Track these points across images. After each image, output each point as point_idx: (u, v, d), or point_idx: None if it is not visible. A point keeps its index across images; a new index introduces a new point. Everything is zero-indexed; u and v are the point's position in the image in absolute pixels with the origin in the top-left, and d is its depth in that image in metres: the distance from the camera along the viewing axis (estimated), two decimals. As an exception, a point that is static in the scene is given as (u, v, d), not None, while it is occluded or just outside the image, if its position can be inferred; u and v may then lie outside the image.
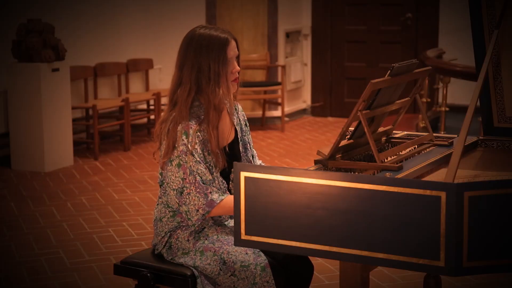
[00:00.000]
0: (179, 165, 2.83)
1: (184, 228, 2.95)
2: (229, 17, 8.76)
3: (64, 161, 6.96)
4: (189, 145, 2.83)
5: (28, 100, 6.70)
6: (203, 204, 2.82)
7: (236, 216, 2.49)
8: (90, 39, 7.84)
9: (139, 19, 8.41)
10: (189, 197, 2.83)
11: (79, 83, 7.63)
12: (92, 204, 5.76)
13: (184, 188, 2.83)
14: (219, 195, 2.85)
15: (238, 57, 2.94)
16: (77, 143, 7.51)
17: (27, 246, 4.84)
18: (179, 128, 2.85)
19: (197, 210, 2.83)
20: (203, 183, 2.83)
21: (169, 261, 2.99)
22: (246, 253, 2.85)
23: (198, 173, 2.83)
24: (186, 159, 2.82)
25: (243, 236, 2.49)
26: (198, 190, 2.82)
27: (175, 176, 2.84)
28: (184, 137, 2.84)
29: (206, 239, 2.93)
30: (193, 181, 2.82)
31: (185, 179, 2.83)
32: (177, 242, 2.96)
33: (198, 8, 8.77)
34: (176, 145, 2.84)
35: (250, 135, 3.13)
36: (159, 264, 2.98)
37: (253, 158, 3.13)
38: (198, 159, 2.84)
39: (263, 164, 3.16)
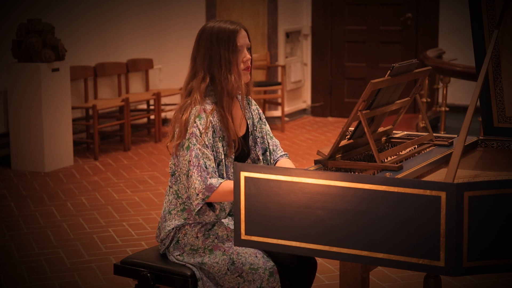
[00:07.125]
0: (188, 148, 2.84)
1: (192, 225, 2.95)
2: (229, 17, 8.76)
3: (64, 161, 6.96)
4: (200, 127, 2.85)
5: (28, 100, 6.70)
6: (203, 189, 2.81)
7: (236, 216, 2.49)
8: (90, 39, 7.84)
9: (139, 19, 8.40)
10: (191, 180, 2.83)
11: (79, 83, 7.63)
12: (92, 204, 5.76)
13: (189, 171, 2.84)
14: (218, 179, 2.83)
15: (250, 48, 2.98)
16: (77, 143, 7.51)
17: (27, 246, 4.83)
18: (192, 111, 2.88)
19: (197, 195, 2.81)
20: (206, 168, 2.83)
21: (170, 261, 2.99)
22: (256, 256, 2.85)
23: (203, 157, 2.83)
24: (195, 141, 2.83)
25: (243, 236, 2.49)
26: (199, 173, 2.82)
27: (184, 159, 2.85)
28: (197, 119, 2.86)
29: (216, 238, 2.93)
30: (197, 163, 2.82)
31: (190, 161, 2.83)
32: (185, 238, 2.96)
33: (198, 8, 8.77)
34: (188, 128, 2.86)
35: (266, 128, 3.13)
36: (159, 264, 2.98)
37: (270, 152, 3.11)
38: (207, 143, 2.85)
39: (286, 155, 3.17)
